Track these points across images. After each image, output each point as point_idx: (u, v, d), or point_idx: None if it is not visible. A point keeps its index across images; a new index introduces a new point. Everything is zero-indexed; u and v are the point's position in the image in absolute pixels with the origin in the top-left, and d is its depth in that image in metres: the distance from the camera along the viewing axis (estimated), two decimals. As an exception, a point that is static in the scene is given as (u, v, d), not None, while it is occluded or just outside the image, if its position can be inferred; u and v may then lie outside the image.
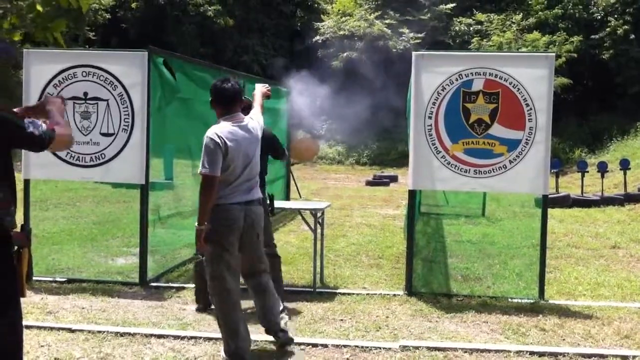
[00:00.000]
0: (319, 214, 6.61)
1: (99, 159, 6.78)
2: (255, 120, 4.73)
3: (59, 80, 6.83)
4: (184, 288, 6.44)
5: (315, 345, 4.81)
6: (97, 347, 4.69)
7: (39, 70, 6.87)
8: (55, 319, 5.32)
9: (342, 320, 5.49)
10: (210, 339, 4.85)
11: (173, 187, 9.50)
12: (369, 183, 18.19)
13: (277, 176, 12.68)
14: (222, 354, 4.48)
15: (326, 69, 28.41)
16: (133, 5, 28.53)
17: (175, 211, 7.79)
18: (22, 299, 4.79)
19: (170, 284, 6.60)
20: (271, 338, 4.74)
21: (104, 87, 6.78)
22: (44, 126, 2.89)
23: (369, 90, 26.10)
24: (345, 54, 27.54)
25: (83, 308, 5.64)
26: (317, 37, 28.56)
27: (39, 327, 5.00)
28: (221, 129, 4.39)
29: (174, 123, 7.50)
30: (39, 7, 4.42)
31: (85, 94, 6.82)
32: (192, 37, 28.58)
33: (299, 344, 4.81)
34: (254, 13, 30.43)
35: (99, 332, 4.97)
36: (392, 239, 9.25)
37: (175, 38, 27.95)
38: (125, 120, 6.73)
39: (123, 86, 6.73)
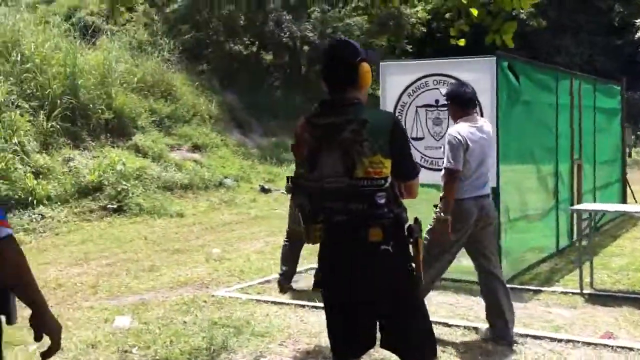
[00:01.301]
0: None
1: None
2: (488, 123, 5.13)
3: (412, 90, 7.24)
4: (540, 291, 6.40)
5: None
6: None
7: (394, 80, 7.37)
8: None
9: None
10: (589, 343, 4.74)
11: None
12: None
13: (611, 180, 11.93)
14: None
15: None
16: (447, 15, 29.19)
17: (522, 214, 7.78)
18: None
19: (526, 287, 6.60)
20: None
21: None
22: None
23: None
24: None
25: (451, 304, 5.94)
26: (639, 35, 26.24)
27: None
28: (462, 129, 4.79)
29: (518, 127, 7.49)
30: (474, 12, 4.86)
31: (437, 101, 7.12)
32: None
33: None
34: (568, 12, 29.12)
35: (467, 327, 5.19)
36: None
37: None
38: (477, 125, 6.88)
39: (473, 93, 6.89)
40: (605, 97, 11.46)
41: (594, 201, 10.21)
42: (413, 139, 7.22)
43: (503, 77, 7.01)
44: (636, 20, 26.86)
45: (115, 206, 11.65)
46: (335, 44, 3.29)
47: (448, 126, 7.11)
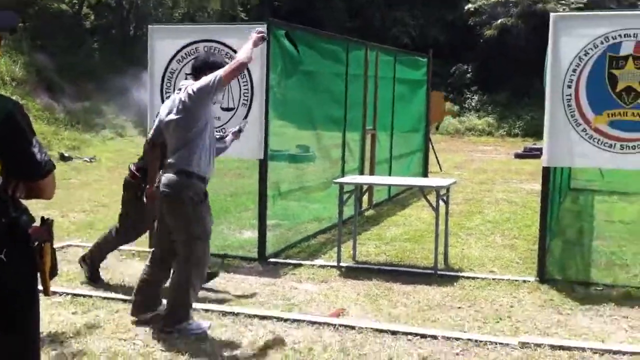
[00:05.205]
0: (442, 192, 6.17)
1: (221, 133, 6.72)
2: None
3: (181, 56, 6.82)
4: (301, 265, 6.27)
5: (423, 336, 4.40)
6: (199, 326, 4.62)
7: (163, 46, 6.92)
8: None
9: (459, 307, 5.05)
10: (314, 322, 4.61)
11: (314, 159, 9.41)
12: (518, 156, 17.12)
13: (413, 149, 12.22)
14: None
15: (478, 38, 27.28)
16: (284, -18, 28.90)
17: (297, 186, 7.68)
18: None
19: (289, 260, 6.47)
20: None
21: (225, 61, 6.68)
22: (47, 156, 2.54)
23: (524, 57, 24.68)
24: (499, 21, 26.27)
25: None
26: (469, 6, 27.43)
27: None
28: None
29: (296, 96, 7.31)
30: None
31: (206, 68, 6.76)
32: (340, 11, 28.49)
33: (407, 333, 4.44)
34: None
35: (205, 310, 4.88)
36: (533, 217, 8.46)
37: (324, 13, 28.02)
38: (245, 94, 6.62)
39: (242, 60, 6.58)
40: (408, 69, 11.64)
41: (389, 171, 10.38)
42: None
43: (277, 45, 6.77)
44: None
45: None
46: None
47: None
